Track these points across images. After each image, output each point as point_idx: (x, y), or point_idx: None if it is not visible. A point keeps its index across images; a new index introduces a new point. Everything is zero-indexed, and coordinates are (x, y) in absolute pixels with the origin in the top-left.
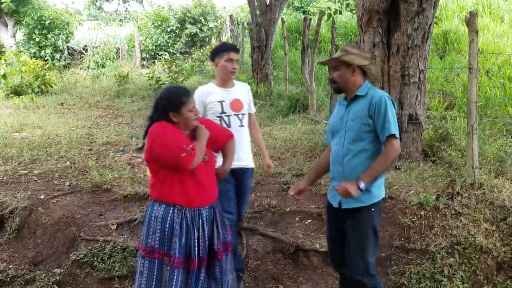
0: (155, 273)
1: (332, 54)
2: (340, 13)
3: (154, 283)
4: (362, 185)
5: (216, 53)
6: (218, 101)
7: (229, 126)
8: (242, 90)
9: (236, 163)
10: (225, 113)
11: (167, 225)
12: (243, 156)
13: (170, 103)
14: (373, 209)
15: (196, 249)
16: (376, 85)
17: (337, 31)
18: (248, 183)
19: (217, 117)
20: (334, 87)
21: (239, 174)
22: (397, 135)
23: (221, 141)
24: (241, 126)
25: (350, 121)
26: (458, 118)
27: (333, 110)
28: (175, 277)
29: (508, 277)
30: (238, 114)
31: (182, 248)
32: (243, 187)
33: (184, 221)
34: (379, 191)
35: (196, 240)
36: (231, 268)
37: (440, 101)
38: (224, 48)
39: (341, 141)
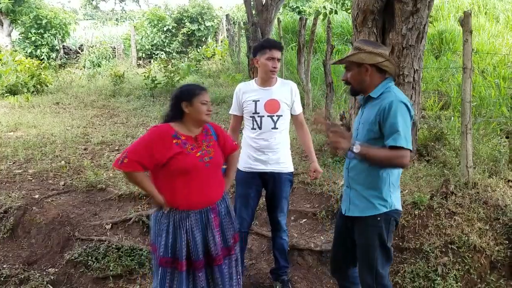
0: (153, 263)
1: (327, 54)
2: (336, 12)
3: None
4: (356, 148)
5: (257, 50)
6: (253, 100)
7: (260, 127)
8: (284, 90)
9: (263, 167)
10: (258, 113)
11: (156, 223)
12: (274, 160)
13: (184, 93)
14: (379, 218)
15: (185, 251)
16: None
17: (333, 31)
18: (281, 188)
19: (250, 117)
20: (350, 89)
21: (269, 179)
22: (407, 147)
23: (225, 152)
24: (275, 128)
25: (361, 124)
26: (452, 118)
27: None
28: (159, 274)
29: (501, 276)
30: (273, 116)
31: (167, 248)
32: (273, 192)
33: (171, 222)
34: (384, 203)
35: (184, 243)
36: (237, 271)
37: (435, 101)
38: (265, 45)
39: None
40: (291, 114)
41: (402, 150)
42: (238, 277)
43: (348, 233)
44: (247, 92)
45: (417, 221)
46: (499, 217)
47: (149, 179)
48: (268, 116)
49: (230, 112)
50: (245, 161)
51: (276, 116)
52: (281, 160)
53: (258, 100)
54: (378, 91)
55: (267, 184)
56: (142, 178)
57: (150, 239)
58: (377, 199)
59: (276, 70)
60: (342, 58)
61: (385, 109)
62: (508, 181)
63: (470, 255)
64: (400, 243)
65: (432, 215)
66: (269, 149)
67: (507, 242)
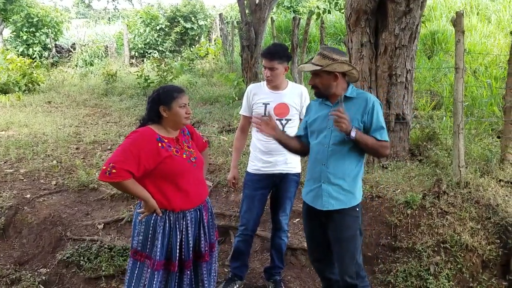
0: (135, 273)
1: None
2: (329, 12)
3: (133, 283)
4: (353, 134)
5: None
6: (263, 103)
7: None
8: (294, 94)
9: (272, 169)
10: (267, 116)
11: (150, 228)
12: (281, 162)
13: (162, 96)
14: (357, 209)
15: (178, 252)
16: (364, 84)
17: (326, 31)
18: (286, 188)
19: None
20: (316, 92)
21: (276, 180)
22: (388, 140)
23: (198, 150)
24: (283, 131)
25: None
26: (444, 117)
27: (310, 109)
28: (154, 279)
29: (493, 275)
30: (281, 120)
31: (164, 251)
32: (278, 192)
33: (167, 224)
34: (360, 193)
35: (178, 243)
36: (214, 268)
37: (427, 100)
38: (261, 54)
39: (325, 141)
40: (300, 118)
41: (385, 143)
42: (214, 274)
43: (322, 228)
44: (258, 94)
45: (409, 221)
46: (490, 216)
47: (138, 183)
48: (277, 119)
49: (240, 113)
50: (253, 163)
51: (285, 120)
52: (289, 161)
53: (268, 103)
54: (353, 92)
55: (275, 185)
56: (132, 185)
57: (136, 246)
58: (357, 190)
59: (270, 79)
60: (318, 69)
61: (371, 107)
62: (500, 180)
63: (462, 254)
64: (393, 242)
65: (425, 214)
66: (277, 151)
67: (499, 241)
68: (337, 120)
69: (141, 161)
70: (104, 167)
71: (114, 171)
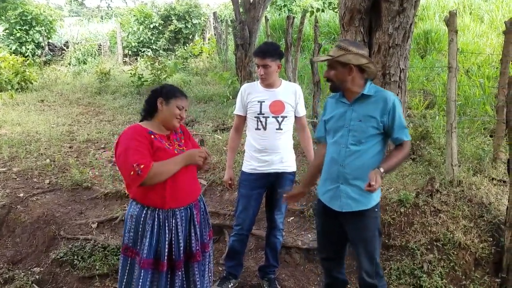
0: (126, 270)
1: (314, 53)
2: (323, 11)
3: (125, 279)
4: (383, 171)
5: None
6: (258, 101)
7: (265, 128)
8: (288, 91)
9: (267, 168)
10: (263, 114)
11: (140, 225)
12: (277, 160)
13: (164, 90)
14: (376, 209)
15: (167, 251)
16: None
17: (320, 30)
18: (281, 187)
19: (255, 117)
20: (330, 85)
21: (272, 179)
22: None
23: None
24: (279, 129)
25: (355, 121)
26: (437, 116)
27: (326, 106)
28: (142, 277)
29: (486, 273)
30: (277, 117)
31: (152, 249)
32: (273, 191)
33: (156, 222)
34: (378, 193)
35: (167, 242)
36: (209, 269)
37: (420, 100)
38: (254, 53)
39: (342, 141)
40: (295, 116)
41: (409, 142)
42: (210, 274)
43: (339, 229)
44: (252, 93)
45: (402, 219)
46: (483, 214)
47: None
48: (273, 117)
49: (234, 112)
50: (249, 162)
51: (281, 117)
52: (284, 160)
53: (264, 101)
54: (370, 89)
55: (270, 184)
56: (160, 164)
57: (127, 242)
58: (376, 191)
59: (264, 77)
60: (330, 58)
61: (392, 107)
62: (492, 179)
63: (455, 252)
64: (386, 241)
65: (418, 212)
66: (272, 150)
67: (491, 239)
68: (374, 188)
69: (145, 149)
70: (131, 173)
71: (142, 166)
